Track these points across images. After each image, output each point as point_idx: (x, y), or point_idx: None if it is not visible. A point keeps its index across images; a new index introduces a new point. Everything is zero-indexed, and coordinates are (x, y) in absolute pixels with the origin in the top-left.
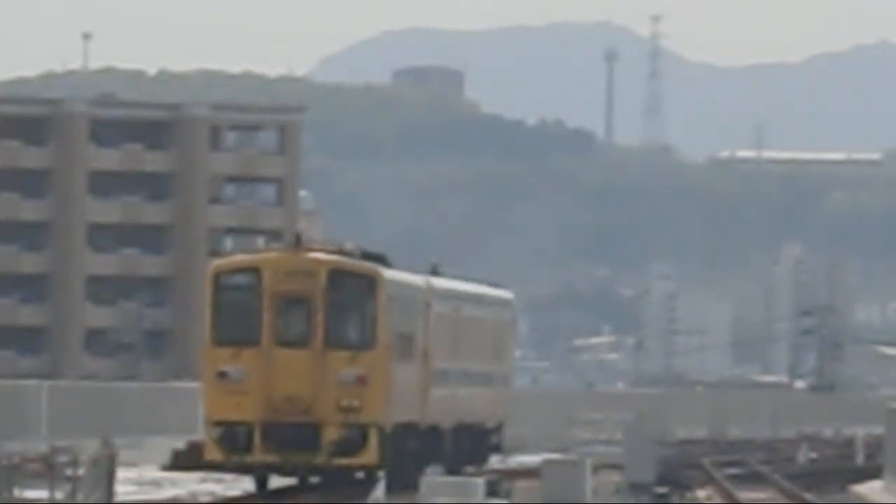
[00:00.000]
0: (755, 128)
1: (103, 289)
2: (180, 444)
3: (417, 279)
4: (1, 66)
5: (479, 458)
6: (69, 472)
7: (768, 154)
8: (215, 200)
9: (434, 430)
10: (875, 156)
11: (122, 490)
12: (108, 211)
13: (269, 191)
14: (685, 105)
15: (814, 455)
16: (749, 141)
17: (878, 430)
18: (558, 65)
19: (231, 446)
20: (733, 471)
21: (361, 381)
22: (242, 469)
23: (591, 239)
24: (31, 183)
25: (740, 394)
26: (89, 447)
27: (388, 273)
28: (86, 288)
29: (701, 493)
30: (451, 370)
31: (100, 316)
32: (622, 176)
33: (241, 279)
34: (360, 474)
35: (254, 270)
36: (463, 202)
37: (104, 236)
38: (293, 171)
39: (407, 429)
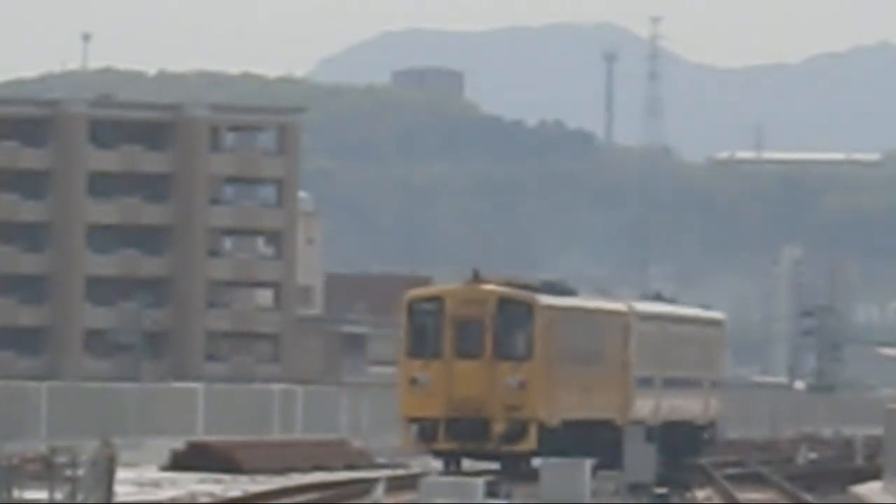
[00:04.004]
0: (755, 128)
1: (103, 289)
2: (180, 444)
3: (612, 304)
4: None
5: (693, 450)
6: (69, 472)
7: (768, 154)
8: (215, 201)
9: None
10: (875, 156)
11: (121, 490)
12: (108, 212)
13: (268, 192)
14: (685, 106)
15: (813, 455)
16: (749, 141)
17: (878, 430)
18: (558, 66)
19: (421, 437)
20: (733, 471)
21: (522, 385)
22: (431, 454)
23: (591, 239)
24: (30, 184)
25: (740, 394)
26: (89, 447)
27: (548, 299)
28: (85, 289)
29: (700, 494)
30: (657, 377)
31: (99, 316)
32: (622, 177)
33: (428, 306)
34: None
35: (438, 299)
36: (462, 203)
37: (103, 237)
38: (293, 172)
39: (601, 425)
